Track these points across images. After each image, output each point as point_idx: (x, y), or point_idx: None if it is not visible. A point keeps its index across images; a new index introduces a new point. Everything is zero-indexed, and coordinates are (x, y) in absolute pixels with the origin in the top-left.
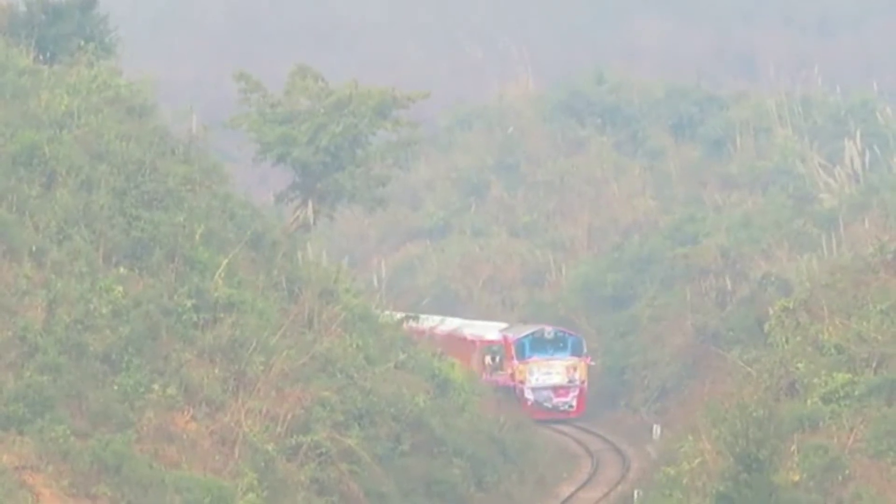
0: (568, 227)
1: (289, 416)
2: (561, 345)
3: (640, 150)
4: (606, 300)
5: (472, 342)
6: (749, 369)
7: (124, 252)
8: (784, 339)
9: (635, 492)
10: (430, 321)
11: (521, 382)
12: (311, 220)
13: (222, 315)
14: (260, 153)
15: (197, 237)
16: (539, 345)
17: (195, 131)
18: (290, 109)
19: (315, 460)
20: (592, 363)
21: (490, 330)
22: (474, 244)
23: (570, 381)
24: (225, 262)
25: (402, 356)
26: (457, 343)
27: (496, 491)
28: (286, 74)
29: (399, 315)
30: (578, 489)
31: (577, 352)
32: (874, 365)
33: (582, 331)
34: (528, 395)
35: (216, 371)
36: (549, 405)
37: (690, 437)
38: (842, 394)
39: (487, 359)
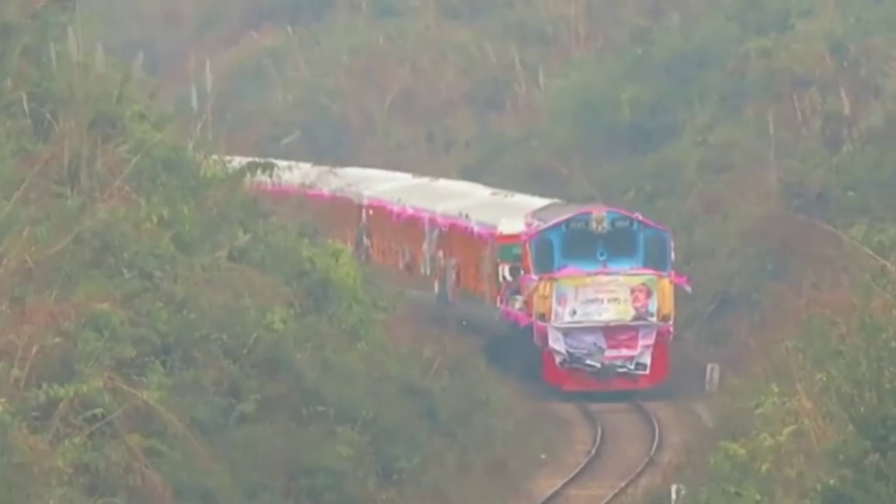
0: None
1: (34, 350)
2: (623, 244)
3: None
4: (621, 134)
5: (481, 237)
6: (884, 262)
7: None
8: None
9: (673, 487)
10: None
11: (543, 318)
12: None
13: None
14: None
15: None
16: (580, 243)
17: None
18: None
19: (83, 431)
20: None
21: (514, 214)
22: (376, 30)
23: (638, 317)
24: None
25: (243, 237)
26: (458, 238)
27: (416, 484)
28: None
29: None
30: (566, 484)
31: (655, 259)
32: None
33: (581, 192)
34: (556, 344)
35: None
36: (597, 363)
37: (774, 388)
38: None
39: (505, 272)
